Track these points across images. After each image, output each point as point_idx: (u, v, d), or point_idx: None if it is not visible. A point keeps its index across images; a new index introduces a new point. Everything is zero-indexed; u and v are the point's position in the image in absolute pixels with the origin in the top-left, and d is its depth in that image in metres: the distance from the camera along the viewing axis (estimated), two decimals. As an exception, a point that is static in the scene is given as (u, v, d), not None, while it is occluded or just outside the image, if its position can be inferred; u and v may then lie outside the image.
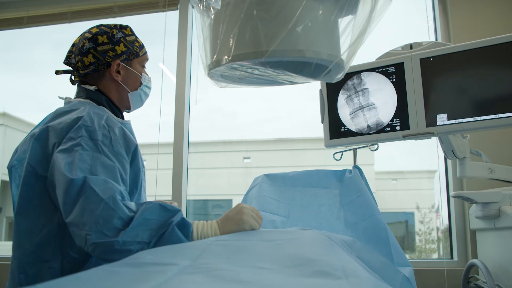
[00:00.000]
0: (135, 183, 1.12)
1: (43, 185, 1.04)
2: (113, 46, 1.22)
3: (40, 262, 1.02)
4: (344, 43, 0.92)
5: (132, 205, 0.94)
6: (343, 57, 0.92)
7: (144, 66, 1.31)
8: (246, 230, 1.00)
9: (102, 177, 0.95)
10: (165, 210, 0.94)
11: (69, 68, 1.27)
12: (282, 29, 0.84)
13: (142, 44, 1.30)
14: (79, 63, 1.22)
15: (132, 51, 1.25)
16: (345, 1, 0.88)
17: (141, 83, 1.28)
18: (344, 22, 0.93)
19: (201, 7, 0.94)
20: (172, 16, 2.37)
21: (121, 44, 1.23)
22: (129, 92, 1.26)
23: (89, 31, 1.24)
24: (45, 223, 1.03)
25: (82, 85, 1.23)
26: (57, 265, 1.02)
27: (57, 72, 1.29)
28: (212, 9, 0.92)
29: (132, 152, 1.10)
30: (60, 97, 1.24)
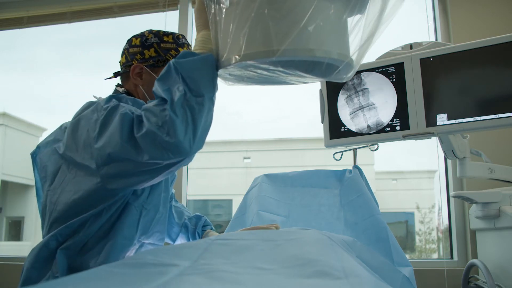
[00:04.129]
0: None
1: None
2: (142, 50, 1.22)
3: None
4: (353, 42, 0.92)
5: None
6: (354, 56, 0.92)
7: None
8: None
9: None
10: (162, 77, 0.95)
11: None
12: (294, 28, 0.84)
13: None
14: (119, 62, 1.27)
15: (163, 58, 1.22)
16: (357, 0, 0.88)
17: None
18: (352, 22, 0.92)
19: (210, 2, 0.93)
20: (172, 16, 2.37)
21: (152, 49, 1.21)
22: (148, 99, 1.22)
23: (133, 35, 1.26)
24: None
25: (116, 87, 1.25)
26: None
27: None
28: (222, 5, 0.92)
29: None
30: (94, 97, 1.24)
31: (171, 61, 0.95)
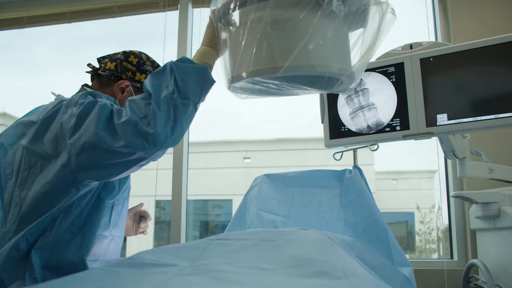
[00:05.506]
0: None
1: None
2: (136, 71, 1.27)
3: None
4: (355, 55, 0.99)
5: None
6: (354, 69, 0.99)
7: None
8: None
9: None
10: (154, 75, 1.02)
11: (96, 67, 1.32)
12: (296, 47, 0.91)
13: None
14: (102, 65, 1.29)
15: None
16: (353, 18, 0.95)
17: None
18: (355, 35, 1.00)
19: (221, 25, 1.02)
20: (172, 16, 2.37)
21: (144, 75, 1.28)
22: None
23: (131, 51, 1.31)
24: None
25: (84, 86, 1.27)
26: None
27: (89, 65, 1.33)
28: (231, 27, 1.01)
29: None
30: (53, 93, 1.26)
31: (169, 62, 1.02)
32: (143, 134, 0.95)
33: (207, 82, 1.05)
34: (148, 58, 1.31)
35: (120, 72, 1.26)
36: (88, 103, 1.02)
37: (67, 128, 1.02)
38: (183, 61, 1.03)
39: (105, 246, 1.15)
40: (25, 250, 1.03)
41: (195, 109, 1.04)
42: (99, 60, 1.32)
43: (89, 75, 1.32)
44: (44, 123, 1.08)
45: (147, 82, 1.00)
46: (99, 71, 1.28)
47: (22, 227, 1.04)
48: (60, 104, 1.09)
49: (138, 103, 0.99)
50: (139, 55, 1.30)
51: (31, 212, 1.04)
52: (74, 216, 1.07)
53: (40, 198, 1.04)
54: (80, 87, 1.28)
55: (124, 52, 1.29)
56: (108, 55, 1.32)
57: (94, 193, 1.11)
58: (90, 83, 1.33)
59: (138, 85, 1.27)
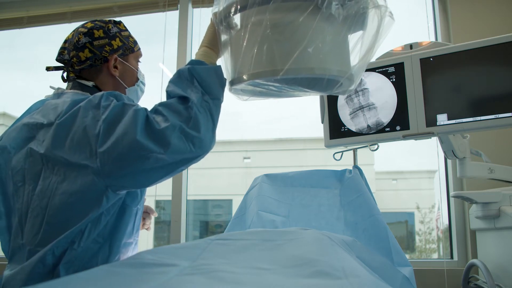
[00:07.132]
0: None
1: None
2: (110, 41, 1.20)
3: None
4: (355, 58, 1.00)
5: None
6: (353, 71, 1.00)
7: (139, 62, 1.30)
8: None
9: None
10: (176, 78, 1.02)
11: (61, 65, 1.23)
12: (295, 50, 0.93)
13: (135, 40, 1.29)
14: (74, 59, 1.18)
15: (128, 46, 1.24)
16: (352, 21, 0.96)
17: (137, 79, 1.27)
18: (355, 38, 1.01)
19: (222, 27, 1.04)
20: (172, 16, 2.37)
21: (117, 39, 1.21)
22: (126, 88, 1.24)
23: (83, 26, 1.21)
24: None
25: (78, 80, 1.19)
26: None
27: (48, 69, 1.24)
28: (232, 30, 1.03)
29: None
30: (51, 87, 1.20)
31: (185, 67, 1.02)
32: (189, 139, 0.94)
33: (224, 81, 1.05)
34: (106, 22, 1.22)
35: (100, 53, 1.18)
36: (115, 107, 0.97)
37: (93, 133, 0.95)
38: (197, 64, 1.02)
39: (130, 252, 1.12)
40: (51, 264, 0.96)
41: (220, 107, 1.05)
42: (61, 59, 1.21)
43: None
44: (62, 128, 1.00)
45: (173, 89, 1.00)
46: (76, 67, 1.18)
47: (47, 240, 0.97)
48: (77, 107, 1.01)
49: (175, 107, 0.96)
50: (98, 25, 1.20)
51: (57, 223, 0.97)
52: (102, 226, 1.01)
53: (67, 208, 0.97)
54: (70, 82, 1.19)
55: (83, 34, 1.18)
56: (65, 48, 1.21)
57: (119, 201, 1.04)
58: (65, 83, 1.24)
59: (121, 50, 1.21)
